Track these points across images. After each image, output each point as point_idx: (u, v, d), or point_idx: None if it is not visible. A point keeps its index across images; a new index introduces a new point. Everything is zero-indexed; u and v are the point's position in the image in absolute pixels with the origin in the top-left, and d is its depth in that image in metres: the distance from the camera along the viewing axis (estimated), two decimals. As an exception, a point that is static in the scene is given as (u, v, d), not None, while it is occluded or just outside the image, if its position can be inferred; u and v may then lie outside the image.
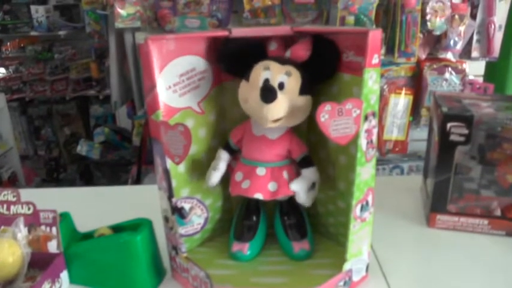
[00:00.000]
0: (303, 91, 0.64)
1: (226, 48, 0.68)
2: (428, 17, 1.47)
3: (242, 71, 0.67)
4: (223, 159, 0.72)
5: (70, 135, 3.43)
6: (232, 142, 0.72)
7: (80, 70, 3.26)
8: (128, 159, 2.54)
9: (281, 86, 0.63)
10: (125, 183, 2.37)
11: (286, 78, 0.63)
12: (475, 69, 1.68)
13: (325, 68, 0.66)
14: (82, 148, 2.65)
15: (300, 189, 0.68)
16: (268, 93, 0.62)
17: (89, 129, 3.32)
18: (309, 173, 0.70)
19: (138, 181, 2.04)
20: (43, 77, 3.24)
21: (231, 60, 0.69)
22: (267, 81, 0.64)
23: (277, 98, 0.62)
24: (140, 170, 2.06)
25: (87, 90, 3.29)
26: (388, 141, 1.70)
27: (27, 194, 0.70)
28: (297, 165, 0.71)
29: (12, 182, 2.74)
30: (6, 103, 2.79)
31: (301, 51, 0.65)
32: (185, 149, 0.60)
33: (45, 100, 3.38)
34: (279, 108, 0.62)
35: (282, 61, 0.65)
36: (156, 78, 0.63)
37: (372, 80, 0.58)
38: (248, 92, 0.65)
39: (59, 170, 3.46)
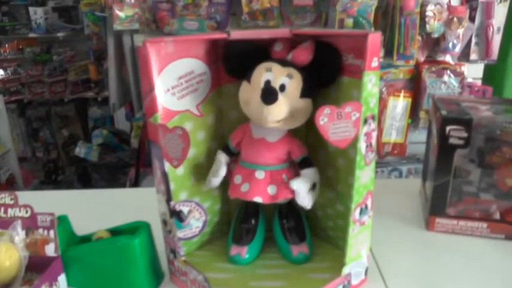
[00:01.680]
0: (303, 94, 0.64)
1: (230, 50, 0.68)
2: (427, 20, 1.47)
3: (244, 72, 0.67)
4: (223, 162, 0.71)
5: (68, 137, 3.42)
6: (231, 144, 0.72)
7: (78, 72, 3.25)
8: (126, 161, 2.54)
9: (282, 88, 0.63)
10: (123, 185, 2.37)
11: (287, 81, 0.63)
12: (474, 71, 1.68)
13: (326, 74, 0.66)
14: (80, 150, 2.64)
15: (300, 188, 0.68)
16: (269, 95, 0.62)
17: (87, 131, 3.32)
18: (310, 174, 0.69)
19: (136, 183, 2.03)
20: (41, 79, 3.24)
21: (235, 61, 0.68)
22: (268, 82, 0.63)
23: (278, 99, 0.62)
24: (138, 172, 2.06)
25: (86, 92, 3.29)
26: (386, 143, 1.70)
27: (24, 196, 0.70)
28: (297, 167, 0.70)
29: (10, 184, 2.74)
30: (4, 105, 2.79)
31: (303, 55, 0.65)
32: (183, 152, 0.60)
33: (43, 102, 3.37)
34: (280, 109, 0.62)
35: (284, 63, 0.65)
36: (155, 81, 0.63)
37: (371, 83, 0.58)
38: (249, 93, 0.65)
39: (57, 172, 3.45)
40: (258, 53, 0.67)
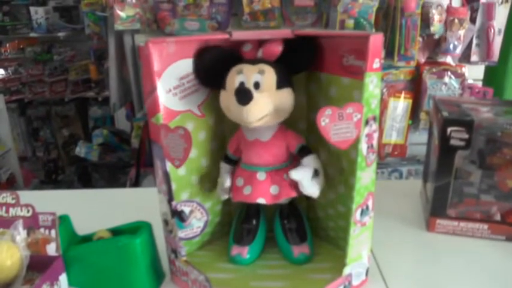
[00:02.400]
0: (280, 85, 0.64)
1: (201, 62, 0.67)
2: (431, 21, 1.47)
3: (219, 81, 0.66)
4: (227, 173, 0.72)
5: (68, 137, 3.42)
6: (230, 153, 0.73)
7: (79, 72, 3.26)
8: (127, 161, 2.54)
9: (256, 85, 0.63)
10: (123, 185, 2.37)
11: (260, 77, 0.63)
12: (474, 73, 1.69)
13: (299, 60, 0.66)
14: (80, 150, 2.64)
15: (301, 177, 0.67)
16: (242, 95, 0.61)
17: (87, 131, 3.32)
18: (309, 161, 0.69)
19: (136, 183, 2.04)
20: (42, 79, 3.24)
21: (208, 72, 0.67)
22: (242, 84, 0.63)
23: (253, 98, 0.61)
24: (139, 172, 2.06)
25: (86, 92, 3.29)
26: (387, 144, 1.70)
27: (25, 196, 0.70)
28: (298, 161, 0.70)
29: (10, 184, 2.74)
30: (5, 104, 2.79)
31: (272, 48, 0.65)
32: (185, 152, 0.60)
33: (44, 101, 3.37)
34: (258, 107, 0.62)
35: (254, 61, 0.64)
36: (157, 81, 0.63)
37: (372, 84, 0.58)
38: (227, 99, 0.64)
39: (57, 172, 3.45)
40: (228, 58, 0.66)
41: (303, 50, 0.66)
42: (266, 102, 0.62)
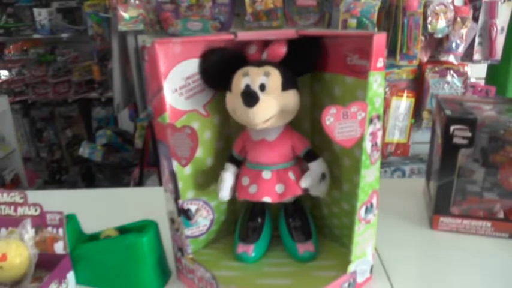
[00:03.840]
0: (285, 87, 0.64)
1: (206, 63, 0.67)
2: (429, 20, 1.47)
3: (225, 83, 0.67)
4: (230, 171, 0.72)
5: (72, 138, 3.44)
6: (235, 153, 0.73)
7: (82, 73, 3.27)
8: (130, 161, 2.55)
9: (262, 87, 0.64)
10: (126, 185, 2.38)
11: (265, 79, 0.64)
12: (477, 72, 1.68)
13: (304, 62, 0.67)
14: (84, 150, 2.65)
15: (310, 184, 0.69)
16: (249, 98, 0.62)
17: (91, 132, 3.33)
18: (316, 166, 0.70)
19: (140, 183, 2.04)
20: (45, 80, 3.25)
21: (213, 74, 0.68)
22: (247, 86, 0.64)
23: (259, 100, 0.62)
24: (142, 172, 2.07)
25: (89, 93, 3.30)
26: (389, 143, 1.70)
27: (32, 195, 0.71)
28: (303, 161, 0.71)
29: (15, 184, 2.75)
30: (9, 105, 2.81)
31: (277, 50, 0.66)
32: (192, 151, 0.61)
33: (47, 102, 3.38)
34: (264, 109, 0.63)
35: (259, 63, 0.65)
36: (163, 81, 0.64)
37: (376, 83, 0.59)
38: (233, 101, 0.65)
39: (61, 172, 3.47)
40: (233, 61, 0.67)
41: (307, 51, 0.67)
42: (272, 104, 0.63)
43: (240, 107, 0.63)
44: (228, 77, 0.66)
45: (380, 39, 0.57)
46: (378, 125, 0.62)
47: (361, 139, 0.59)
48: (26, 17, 3.18)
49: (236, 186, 0.72)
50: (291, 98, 0.66)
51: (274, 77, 0.64)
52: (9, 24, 3.16)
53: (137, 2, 1.68)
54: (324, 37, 0.68)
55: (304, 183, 0.69)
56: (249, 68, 0.65)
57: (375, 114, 0.60)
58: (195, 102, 0.69)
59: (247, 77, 0.64)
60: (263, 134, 0.69)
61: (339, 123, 0.57)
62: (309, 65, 0.69)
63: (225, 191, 0.71)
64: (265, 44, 0.68)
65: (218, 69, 0.67)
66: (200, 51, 0.68)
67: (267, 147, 0.69)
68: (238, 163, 0.73)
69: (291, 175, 0.69)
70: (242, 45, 0.69)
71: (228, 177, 0.72)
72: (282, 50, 0.66)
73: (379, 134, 0.63)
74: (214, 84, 0.70)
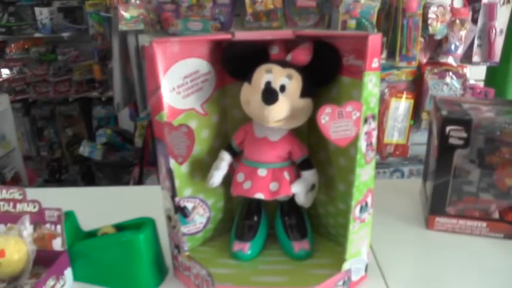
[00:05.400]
0: (303, 94, 0.65)
1: (230, 52, 0.69)
2: (429, 21, 1.48)
3: (245, 73, 0.68)
4: (225, 160, 0.73)
5: (72, 136, 3.44)
6: (234, 144, 0.74)
7: (82, 72, 3.27)
8: (130, 160, 2.55)
9: (282, 88, 0.65)
10: (126, 184, 2.38)
11: (287, 81, 0.65)
12: (476, 73, 1.69)
13: (326, 73, 0.67)
14: (84, 149, 2.66)
15: (299, 191, 0.70)
16: (269, 96, 0.63)
17: (91, 131, 3.34)
18: (309, 175, 0.71)
19: (140, 182, 2.05)
20: (46, 79, 3.25)
21: (235, 63, 0.70)
22: (268, 83, 0.65)
23: (278, 100, 0.63)
24: (142, 171, 2.07)
25: (90, 92, 3.30)
26: (388, 144, 1.70)
27: (31, 193, 0.71)
28: (298, 167, 0.72)
29: (15, 182, 2.76)
30: (9, 104, 2.82)
31: (302, 55, 0.66)
32: (188, 150, 0.61)
33: (48, 101, 3.39)
34: (280, 110, 0.64)
35: (284, 64, 0.66)
36: (161, 80, 0.64)
37: (371, 83, 0.60)
38: (250, 94, 0.66)
39: (61, 171, 3.47)
40: (257, 54, 0.68)
41: (330, 61, 0.66)
42: (288, 107, 0.64)
43: (256, 101, 0.64)
44: (249, 68, 0.67)
45: (375, 40, 0.58)
46: (373, 124, 0.62)
47: (356, 138, 0.60)
48: (27, 16, 3.18)
49: (231, 183, 0.73)
50: (306, 106, 0.66)
51: (296, 81, 0.65)
52: (10, 23, 3.16)
53: (138, 1, 1.69)
54: (322, 38, 0.68)
55: (295, 188, 0.70)
56: (273, 65, 0.66)
57: (370, 114, 0.61)
58: (192, 101, 0.70)
59: (270, 74, 0.65)
60: (267, 132, 0.70)
61: (334, 123, 0.58)
62: (330, 75, 0.68)
63: (217, 179, 0.72)
64: (287, 44, 0.68)
65: (241, 58, 0.69)
66: (198, 50, 0.68)
67: (267, 146, 0.70)
68: (235, 154, 0.74)
69: (286, 175, 0.70)
70: (265, 43, 0.69)
71: (223, 166, 0.72)
72: (306, 57, 0.66)
73: (374, 133, 0.63)
74: (233, 71, 0.71)
